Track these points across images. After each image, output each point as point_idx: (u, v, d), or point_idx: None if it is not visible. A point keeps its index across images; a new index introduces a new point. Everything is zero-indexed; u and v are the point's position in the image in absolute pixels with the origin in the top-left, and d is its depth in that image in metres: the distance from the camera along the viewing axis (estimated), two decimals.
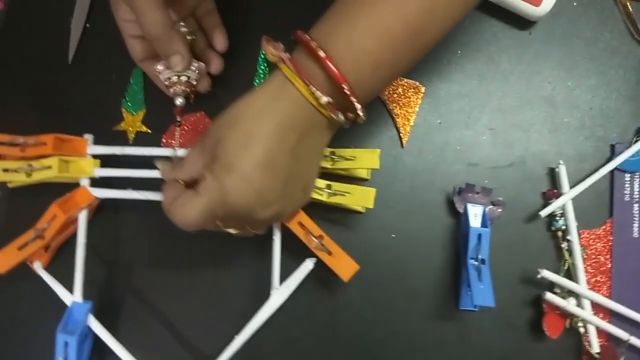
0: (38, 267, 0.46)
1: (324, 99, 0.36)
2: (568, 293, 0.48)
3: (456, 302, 0.48)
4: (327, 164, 0.46)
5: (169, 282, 0.49)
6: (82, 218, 0.46)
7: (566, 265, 0.49)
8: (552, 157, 0.50)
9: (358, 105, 0.37)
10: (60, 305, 0.45)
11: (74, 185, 0.48)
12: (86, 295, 0.45)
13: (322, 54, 0.35)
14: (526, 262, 0.49)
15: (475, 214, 0.47)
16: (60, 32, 0.52)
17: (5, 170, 0.46)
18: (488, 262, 0.45)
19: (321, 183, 0.46)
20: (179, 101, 0.45)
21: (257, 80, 0.51)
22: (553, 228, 0.49)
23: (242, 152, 0.36)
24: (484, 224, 0.47)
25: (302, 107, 0.36)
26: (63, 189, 0.48)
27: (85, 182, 0.47)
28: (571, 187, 0.49)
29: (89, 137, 0.48)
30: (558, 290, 0.48)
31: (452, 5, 0.36)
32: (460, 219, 0.49)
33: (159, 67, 0.44)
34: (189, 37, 0.46)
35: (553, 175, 0.50)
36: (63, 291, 0.46)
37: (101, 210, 0.49)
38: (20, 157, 0.47)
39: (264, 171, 0.36)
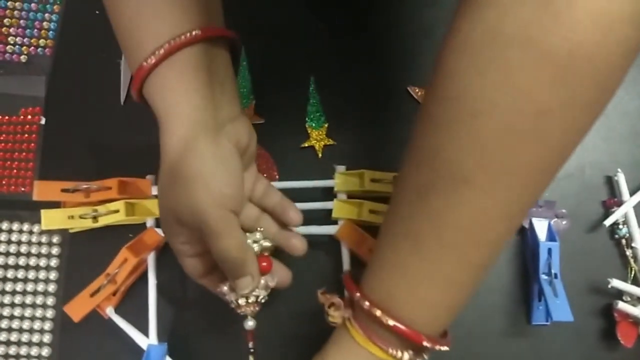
0: (111, 313, 0.46)
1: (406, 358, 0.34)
2: (638, 300, 0.48)
3: (527, 318, 0.48)
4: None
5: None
6: (151, 259, 0.46)
7: (632, 273, 0.49)
8: (608, 165, 0.51)
9: (443, 348, 0.34)
10: (132, 347, 0.45)
11: (133, 226, 0.48)
12: (159, 334, 0.45)
13: (390, 322, 0.33)
14: (592, 272, 0.49)
15: (541, 228, 0.47)
16: (110, 74, 0.52)
17: (71, 217, 0.46)
18: (560, 276, 0.46)
19: (383, 207, 0.46)
20: (249, 324, 0.39)
21: (309, 111, 0.51)
22: (616, 236, 0.49)
23: None
24: (551, 238, 0.47)
25: None
26: (123, 230, 0.48)
27: (150, 223, 0.47)
28: (630, 195, 0.49)
29: (151, 177, 0.48)
30: (627, 298, 0.48)
31: (508, 238, 0.33)
32: (525, 234, 0.49)
33: (224, 288, 0.38)
34: (263, 244, 0.39)
35: (611, 183, 0.51)
36: (138, 335, 0.45)
37: (165, 250, 0.49)
38: (83, 203, 0.47)
39: None
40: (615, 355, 0.48)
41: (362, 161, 0.48)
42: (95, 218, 0.46)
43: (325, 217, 0.47)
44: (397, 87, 0.52)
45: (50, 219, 0.46)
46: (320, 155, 0.51)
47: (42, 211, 0.46)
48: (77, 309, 0.44)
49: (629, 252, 0.49)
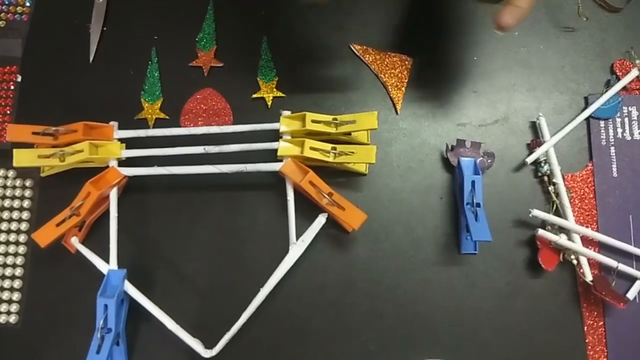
0: (75, 242, 0.51)
1: None
2: (559, 230, 0.52)
3: (457, 248, 0.53)
4: (331, 129, 0.51)
5: (194, 248, 0.53)
6: (113, 194, 0.51)
7: (554, 206, 0.53)
8: (533, 112, 0.56)
9: None
10: (95, 277, 0.49)
11: (99, 172, 0.53)
12: (120, 265, 0.50)
13: None
14: (517, 207, 0.53)
15: (467, 165, 0.52)
16: (80, 37, 0.58)
17: (40, 156, 0.51)
18: (483, 206, 0.50)
19: (326, 146, 0.50)
20: None
21: (261, 66, 0.57)
22: (539, 174, 0.54)
23: None
24: (475, 173, 0.51)
25: None
26: (89, 176, 0.52)
27: (113, 163, 0.52)
28: (552, 137, 0.54)
29: (114, 123, 0.53)
30: (549, 229, 0.52)
31: None
32: (455, 173, 0.54)
33: None
34: None
35: (535, 128, 0.55)
36: (100, 261, 0.50)
37: (128, 191, 0.54)
38: (53, 145, 0.51)
39: None
40: (539, 280, 0.52)
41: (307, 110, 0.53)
42: (62, 158, 0.51)
43: (272, 157, 0.52)
44: (340, 44, 0.58)
45: (21, 157, 0.50)
46: (269, 105, 0.56)
47: (14, 150, 0.50)
48: (44, 236, 0.49)
49: (551, 188, 0.54)
